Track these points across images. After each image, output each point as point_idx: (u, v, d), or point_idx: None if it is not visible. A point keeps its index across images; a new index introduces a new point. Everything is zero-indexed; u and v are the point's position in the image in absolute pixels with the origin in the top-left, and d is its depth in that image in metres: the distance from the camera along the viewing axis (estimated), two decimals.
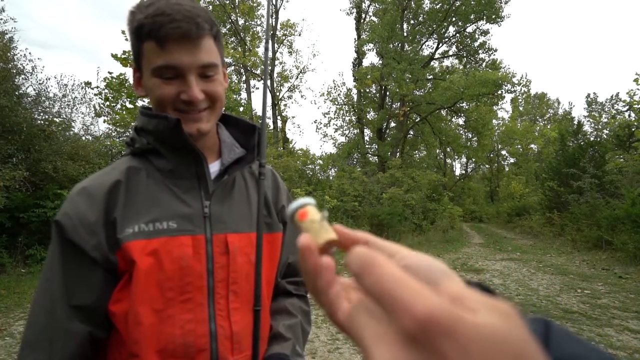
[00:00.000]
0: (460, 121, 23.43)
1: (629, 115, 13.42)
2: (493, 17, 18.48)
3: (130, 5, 0.74)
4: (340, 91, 22.27)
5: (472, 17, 18.73)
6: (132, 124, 9.82)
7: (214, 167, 0.82)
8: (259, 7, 18.84)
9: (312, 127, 28.42)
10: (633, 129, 13.06)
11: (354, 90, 21.66)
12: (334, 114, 22.35)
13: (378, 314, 0.20)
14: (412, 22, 20.68)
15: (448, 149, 28.05)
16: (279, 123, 20.72)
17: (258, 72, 17.51)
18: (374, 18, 21.69)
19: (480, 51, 20.54)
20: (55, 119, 8.94)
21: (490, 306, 0.17)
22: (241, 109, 11.39)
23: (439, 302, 0.17)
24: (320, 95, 27.69)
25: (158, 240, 0.71)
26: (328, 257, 0.26)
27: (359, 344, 0.20)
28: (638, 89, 11.33)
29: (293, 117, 39.62)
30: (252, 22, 19.34)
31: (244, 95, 18.95)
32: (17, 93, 8.08)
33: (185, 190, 0.77)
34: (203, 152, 0.77)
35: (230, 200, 0.81)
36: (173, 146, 0.76)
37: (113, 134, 11.13)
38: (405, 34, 20.04)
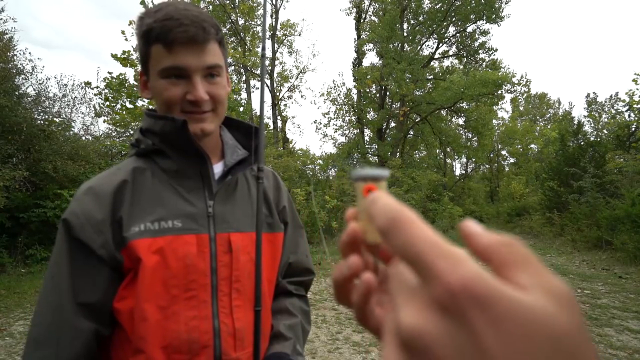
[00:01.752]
0: (460, 121, 23.42)
1: (629, 116, 13.42)
2: (493, 17, 18.47)
3: (134, 6, 0.77)
4: (340, 91, 22.27)
5: (472, 17, 18.73)
6: (133, 124, 9.82)
7: (218, 168, 0.85)
8: (259, 7, 18.82)
9: (312, 127, 28.40)
10: (633, 129, 13.07)
11: (354, 91, 21.65)
12: (334, 114, 22.35)
13: (410, 280, 0.19)
14: (412, 22, 20.68)
15: (448, 149, 28.03)
16: (279, 123, 20.72)
17: (258, 72, 17.51)
18: (373, 18, 21.70)
19: (480, 51, 20.52)
20: (55, 119, 8.94)
21: (546, 287, 0.16)
22: (241, 109, 11.40)
23: (477, 272, 0.16)
24: (320, 96, 27.72)
25: (163, 238, 0.73)
26: (370, 274, 0.23)
27: (393, 310, 0.19)
28: (637, 89, 11.34)
29: (293, 117, 39.64)
30: (252, 22, 19.34)
31: (244, 95, 18.97)
32: (17, 93, 8.08)
33: (189, 190, 0.79)
34: (207, 153, 0.79)
35: (233, 201, 0.83)
36: (179, 147, 0.78)
37: (113, 134, 11.14)
38: (405, 34, 20.04)
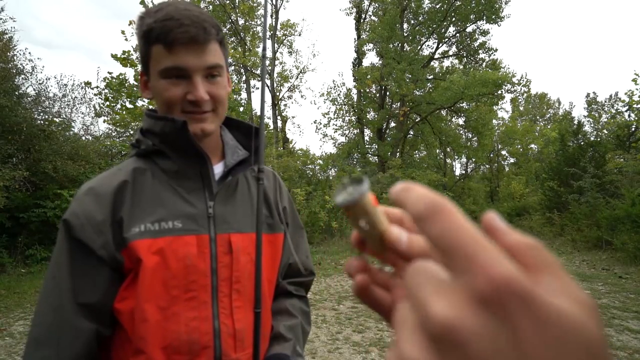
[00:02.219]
0: (460, 121, 23.41)
1: (629, 116, 13.43)
2: (493, 17, 18.47)
3: (135, 6, 0.77)
4: (340, 91, 22.24)
5: (472, 17, 18.73)
6: (133, 123, 9.82)
7: (218, 169, 0.85)
8: (259, 7, 18.82)
9: (312, 127, 28.36)
10: (633, 129, 13.08)
11: (354, 90, 21.64)
12: (334, 114, 22.33)
13: (438, 274, 0.18)
14: (412, 22, 20.68)
15: (448, 149, 28.03)
16: (279, 123, 20.72)
17: (258, 72, 17.51)
18: (373, 18, 21.70)
19: (480, 51, 20.53)
20: (55, 119, 8.96)
21: (572, 295, 0.16)
22: (241, 109, 11.40)
23: (520, 273, 0.16)
24: (320, 96, 27.61)
25: (164, 239, 0.73)
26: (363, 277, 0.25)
27: (415, 304, 0.18)
28: (637, 89, 11.34)
29: (293, 117, 39.61)
30: (252, 22, 19.33)
31: (244, 95, 18.96)
32: (17, 93, 8.09)
33: (189, 190, 0.79)
34: (207, 154, 0.79)
35: (233, 201, 0.83)
36: (179, 148, 0.78)
37: (113, 134, 11.14)
38: (405, 34, 20.04)
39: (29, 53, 14.14)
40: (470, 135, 26.10)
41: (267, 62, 1.02)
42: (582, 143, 13.21)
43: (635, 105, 11.75)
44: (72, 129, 9.72)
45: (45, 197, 7.63)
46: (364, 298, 0.26)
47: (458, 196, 26.59)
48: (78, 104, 10.48)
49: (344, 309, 4.75)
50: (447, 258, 0.17)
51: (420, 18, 20.25)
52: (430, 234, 0.18)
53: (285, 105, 21.62)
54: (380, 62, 20.29)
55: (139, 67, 0.83)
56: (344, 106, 22.21)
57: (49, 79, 14.18)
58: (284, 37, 20.42)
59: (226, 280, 0.76)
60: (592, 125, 23.52)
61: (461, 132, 26.07)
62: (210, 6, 16.93)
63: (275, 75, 19.88)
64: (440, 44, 20.68)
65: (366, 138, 22.54)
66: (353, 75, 21.46)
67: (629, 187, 9.12)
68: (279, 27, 19.97)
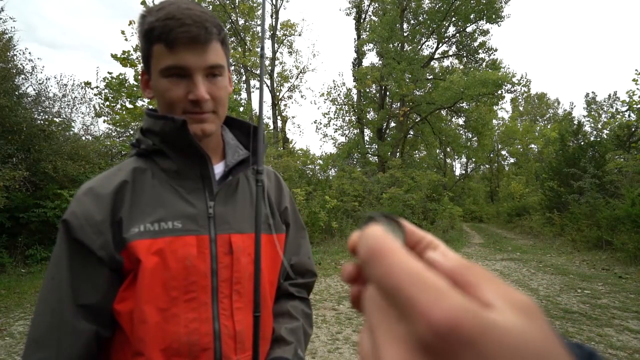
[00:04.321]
0: (460, 121, 23.43)
1: (629, 116, 13.43)
2: (493, 17, 18.47)
3: (140, 6, 0.76)
4: (340, 91, 22.26)
5: (472, 17, 18.73)
6: (133, 123, 9.82)
7: (218, 168, 0.84)
8: (259, 7, 18.82)
9: (312, 127, 28.39)
10: (633, 129, 13.08)
11: (354, 90, 21.64)
12: (334, 114, 22.34)
13: (393, 310, 0.17)
14: (412, 22, 20.68)
15: (448, 149, 28.04)
16: (279, 123, 20.71)
17: (258, 72, 17.49)
18: (374, 18, 21.70)
19: (480, 51, 20.53)
20: (55, 119, 8.95)
21: (512, 302, 0.16)
22: (241, 109, 11.40)
23: (461, 304, 0.15)
24: (320, 95, 27.63)
25: (163, 239, 0.72)
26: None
27: (371, 332, 0.18)
28: (637, 89, 11.34)
29: (293, 117, 39.70)
30: (252, 22, 19.32)
31: (244, 95, 18.95)
32: (17, 93, 8.08)
33: (190, 190, 0.78)
34: (208, 154, 0.78)
35: (234, 201, 0.82)
36: (179, 147, 0.77)
37: (113, 134, 11.14)
38: (405, 34, 20.04)
39: (29, 53, 14.18)
40: (470, 135, 26.11)
41: (267, 62, 1.00)
42: (582, 143, 13.22)
43: (635, 105, 11.74)
44: (72, 129, 9.71)
45: (45, 197, 7.63)
46: (360, 309, 0.23)
47: (458, 196, 26.61)
48: (78, 104, 10.47)
49: (344, 309, 4.74)
50: (391, 301, 0.17)
51: (420, 18, 20.25)
52: (374, 278, 0.17)
53: (285, 105, 21.62)
54: (380, 62, 20.28)
55: (139, 67, 0.82)
56: (344, 106, 22.22)
57: (49, 79, 14.13)
58: (284, 37, 20.40)
59: (226, 281, 0.76)
60: (592, 125, 23.52)
61: (461, 132, 26.06)
62: (210, 6, 16.93)
63: (275, 75, 19.87)
64: (440, 44, 20.68)
65: (366, 138, 22.54)
66: (353, 75, 21.46)
67: (629, 187, 9.12)
68: (279, 27, 19.96)
